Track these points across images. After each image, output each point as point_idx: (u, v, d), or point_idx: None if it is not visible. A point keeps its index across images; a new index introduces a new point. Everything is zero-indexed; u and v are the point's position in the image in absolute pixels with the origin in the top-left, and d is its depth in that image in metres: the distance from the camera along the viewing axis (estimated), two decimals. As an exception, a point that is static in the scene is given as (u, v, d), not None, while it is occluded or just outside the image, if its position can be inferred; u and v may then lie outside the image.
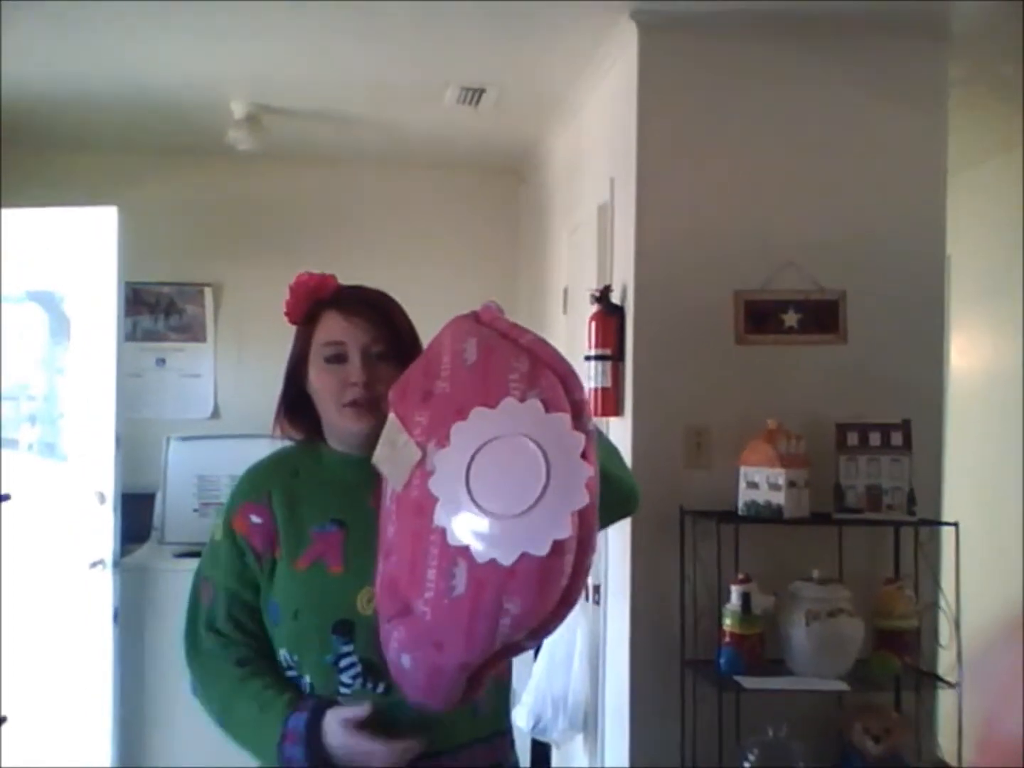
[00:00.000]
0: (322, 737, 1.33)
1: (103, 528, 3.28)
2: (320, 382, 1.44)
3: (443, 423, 1.25)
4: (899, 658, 2.49)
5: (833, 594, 2.48)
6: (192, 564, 3.95)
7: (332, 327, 1.44)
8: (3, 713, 2.72)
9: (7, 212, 3.39)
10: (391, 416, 1.33)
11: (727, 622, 2.48)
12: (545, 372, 1.23)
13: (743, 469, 2.56)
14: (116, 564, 3.29)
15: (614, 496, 1.33)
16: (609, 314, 2.79)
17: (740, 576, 2.49)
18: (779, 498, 2.49)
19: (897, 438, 2.59)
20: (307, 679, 1.40)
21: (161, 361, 4.32)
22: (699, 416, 2.69)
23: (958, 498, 3.12)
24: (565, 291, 3.56)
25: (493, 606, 1.16)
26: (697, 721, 2.57)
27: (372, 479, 1.36)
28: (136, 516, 3.68)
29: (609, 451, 1.46)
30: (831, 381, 2.70)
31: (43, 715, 3.18)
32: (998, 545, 3.49)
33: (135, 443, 3.60)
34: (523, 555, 1.15)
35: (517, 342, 1.26)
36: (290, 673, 1.42)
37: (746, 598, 2.46)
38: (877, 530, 2.64)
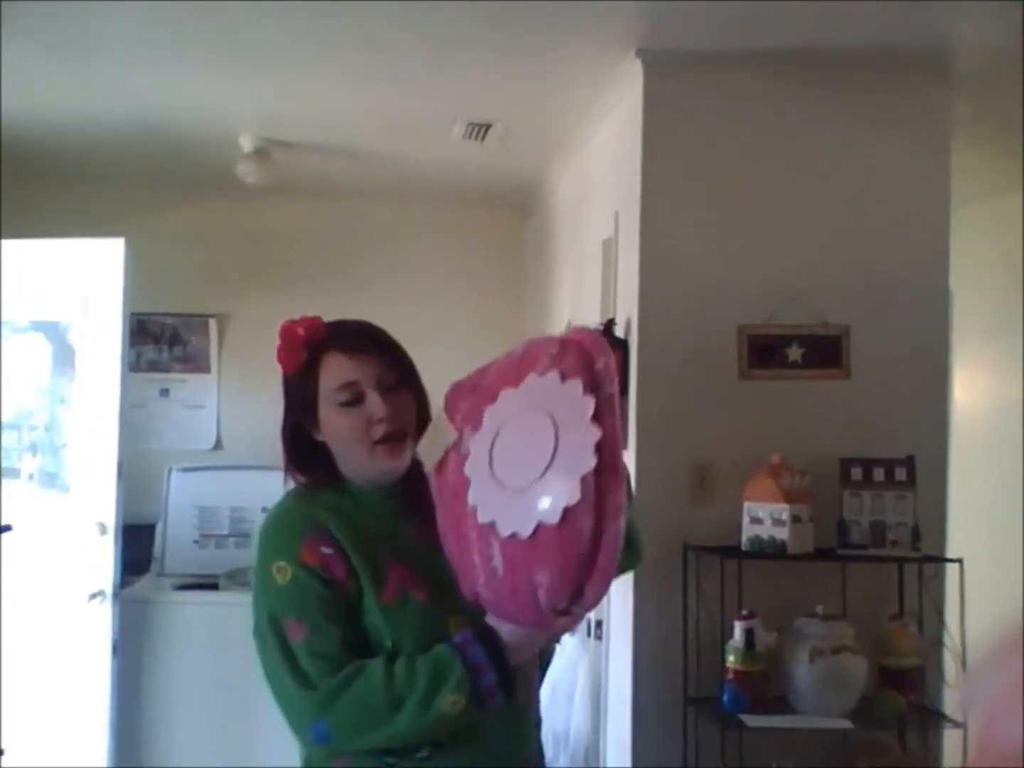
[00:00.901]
0: (492, 633, 1.29)
1: (103, 559, 3.27)
2: (341, 426, 1.38)
3: (479, 408, 1.26)
4: (904, 696, 2.47)
5: (837, 631, 2.46)
6: (192, 596, 3.92)
7: (341, 369, 1.37)
8: (2, 745, 2.69)
9: (16, 242, 3.41)
10: (439, 410, 1.35)
11: (730, 659, 2.46)
12: (572, 349, 1.23)
13: (747, 504, 2.55)
14: (116, 596, 3.27)
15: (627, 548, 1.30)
16: (613, 348, 2.78)
17: (744, 612, 2.47)
18: (783, 533, 2.48)
19: (901, 473, 2.58)
20: None
21: (165, 391, 4.32)
22: (703, 451, 2.69)
23: (962, 534, 3.10)
24: (569, 324, 3.56)
25: (526, 582, 1.16)
26: (700, 759, 2.54)
27: (403, 513, 1.39)
28: (137, 547, 3.66)
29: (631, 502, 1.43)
30: (835, 416, 2.70)
31: (42, 747, 3.15)
32: (1003, 581, 3.46)
33: (137, 473, 3.59)
34: (539, 525, 1.14)
35: (562, 335, 1.29)
36: None
37: (750, 634, 2.44)
38: (881, 566, 2.62)
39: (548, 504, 1.14)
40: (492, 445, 1.21)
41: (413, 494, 1.40)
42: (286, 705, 1.32)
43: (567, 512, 1.13)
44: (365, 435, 1.36)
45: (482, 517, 1.21)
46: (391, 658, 1.30)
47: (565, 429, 1.16)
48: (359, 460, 1.39)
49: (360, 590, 1.33)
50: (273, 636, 1.32)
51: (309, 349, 1.39)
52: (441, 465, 1.34)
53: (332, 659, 1.30)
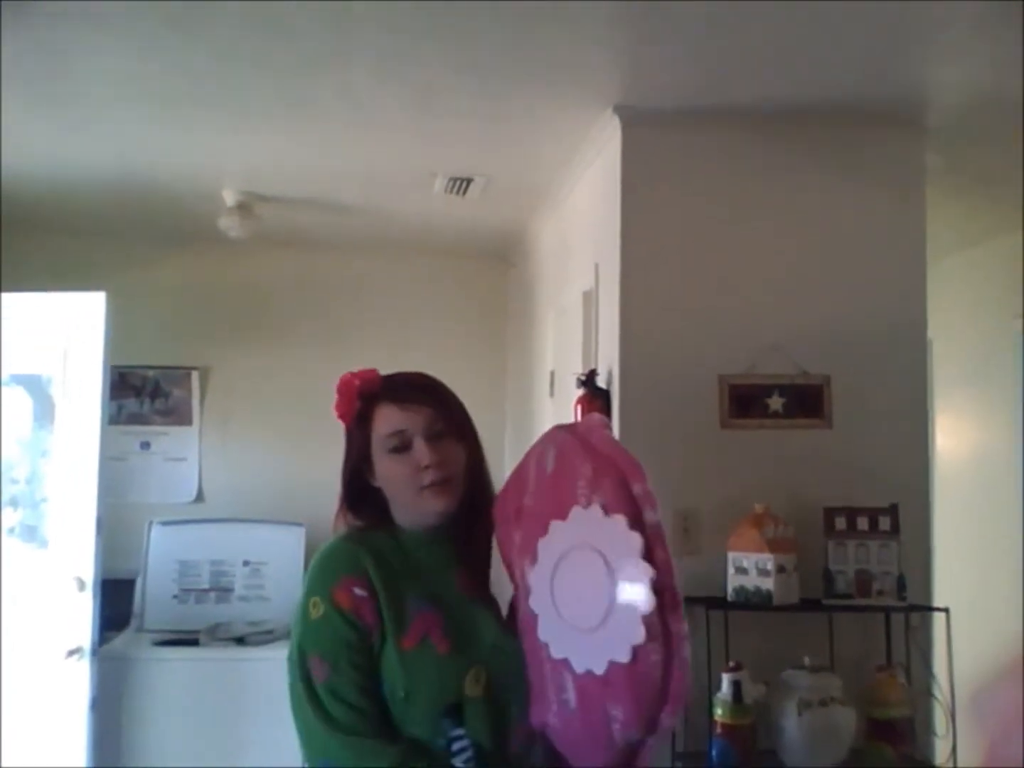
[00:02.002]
0: None
1: (82, 615, 3.22)
2: (392, 472, 1.46)
3: (532, 539, 1.31)
4: (893, 748, 2.44)
5: (824, 682, 2.44)
6: (171, 652, 3.86)
7: (391, 418, 1.46)
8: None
9: (-4, 296, 3.41)
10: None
11: (718, 712, 2.43)
12: (608, 472, 1.25)
13: (731, 554, 2.54)
14: (94, 652, 3.22)
15: None
16: (595, 397, 2.79)
17: (731, 664, 2.45)
18: (768, 584, 2.46)
19: (885, 522, 2.58)
20: (422, 765, 1.36)
21: (146, 444, 4.29)
22: (685, 500, 2.68)
23: (948, 582, 3.10)
24: (552, 374, 3.58)
25: (601, 715, 1.21)
26: (688, 816, 2.50)
27: (452, 561, 1.45)
28: (116, 602, 3.61)
29: None
30: (817, 465, 2.70)
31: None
32: (991, 629, 3.45)
33: (117, 527, 3.56)
34: (611, 663, 1.19)
35: (588, 443, 1.30)
36: None
37: (737, 687, 2.41)
38: (868, 616, 2.61)
39: (617, 643, 1.19)
40: (552, 583, 1.26)
41: (467, 541, 1.47)
42: (302, 732, 1.40)
43: (636, 650, 1.18)
44: (413, 480, 1.44)
45: (555, 653, 1.26)
46: (411, 751, 1.34)
47: (620, 570, 1.20)
48: (408, 504, 1.47)
49: (384, 634, 1.37)
50: (299, 667, 1.39)
51: (363, 399, 1.48)
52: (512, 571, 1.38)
53: (349, 704, 1.35)
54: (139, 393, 4.29)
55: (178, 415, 4.31)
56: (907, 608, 2.56)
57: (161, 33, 2.33)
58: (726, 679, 2.43)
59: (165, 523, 3.94)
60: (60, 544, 3.28)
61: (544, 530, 1.29)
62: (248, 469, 4.15)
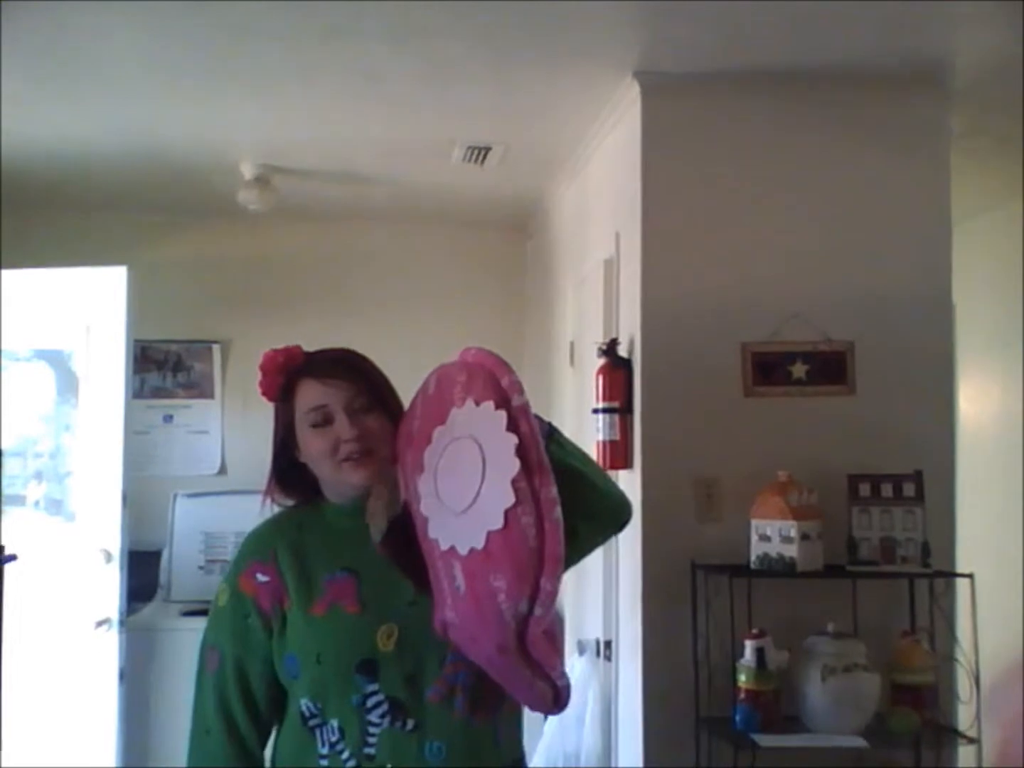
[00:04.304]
0: None
1: (109, 587, 3.26)
2: (312, 446, 1.49)
3: (420, 453, 1.39)
4: (918, 713, 2.45)
5: (849, 649, 2.44)
6: (198, 623, 3.92)
7: (312, 394, 1.49)
8: (7, 777, 2.68)
9: (18, 272, 3.42)
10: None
11: (742, 678, 2.44)
12: (478, 374, 1.36)
13: (755, 522, 2.54)
14: (122, 623, 3.26)
15: (598, 503, 1.41)
16: (616, 367, 2.79)
17: (754, 631, 2.46)
18: (791, 551, 2.46)
19: (909, 489, 2.57)
20: (334, 723, 1.42)
21: (169, 418, 4.32)
22: (709, 469, 2.68)
23: (971, 548, 3.09)
24: (572, 344, 3.57)
25: (487, 589, 1.26)
26: (713, 780, 2.52)
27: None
28: (142, 574, 3.65)
29: (587, 460, 1.49)
30: (841, 432, 2.69)
31: (48, 777, 3.13)
32: (1015, 595, 3.44)
33: (142, 500, 3.59)
34: (489, 534, 1.26)
35: (463, 360, 1.41)
36: (313, 722, 1.44)
37: (760, 653, 2.42)
38: (892, 583, 2.61)
39: (490, 514, 1.27)
40: (435, 480, 1.35)
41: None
42: (192, 715, 1.51)
43: (507, 514, 1.26)
44: (332, 454, 1.47)
45: (443, 544, 1.32)
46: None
47: (488, 444, 1.29)
48: (329, 477, 1.51)
49: (293, 608, 1.45)
50: (200, 654, 1.52)
51: (286, 375, 1.52)
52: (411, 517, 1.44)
53: (223, 702, 1.47)
54: (161, 367, 4.31)
55: (200, 388, 4.34)
56: (932, 574, 2.56)
57: (176, 6, 2.31)
58: (749, 646, 2.44)
59: (189, 495, 3.98)
60: (86, 517, 3.32)
61: (429, 440, 1.38)
62: (270, 441, 4.17)
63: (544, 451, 1.29)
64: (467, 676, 1.39)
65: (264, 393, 1.55)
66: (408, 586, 1.41)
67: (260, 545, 1.52)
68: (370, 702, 1.41)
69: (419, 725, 1.40)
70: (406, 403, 1.52)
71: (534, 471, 1.27)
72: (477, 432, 1.31)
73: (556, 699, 1.31)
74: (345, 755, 1.41)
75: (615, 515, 1.51)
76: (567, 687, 1.31)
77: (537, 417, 1.36)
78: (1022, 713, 0.70)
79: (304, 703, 1.44)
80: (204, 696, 1.50)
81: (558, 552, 1.25)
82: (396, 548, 1.40)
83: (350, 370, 1.52)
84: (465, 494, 1.30)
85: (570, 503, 1.29)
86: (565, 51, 2.59)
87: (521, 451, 1.27)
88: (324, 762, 1.42)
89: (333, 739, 1.42)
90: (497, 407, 1.31)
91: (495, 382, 1.33)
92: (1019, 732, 0.70)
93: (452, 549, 1.31)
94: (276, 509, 1.58)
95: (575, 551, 1.37)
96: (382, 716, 1.40)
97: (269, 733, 1.51)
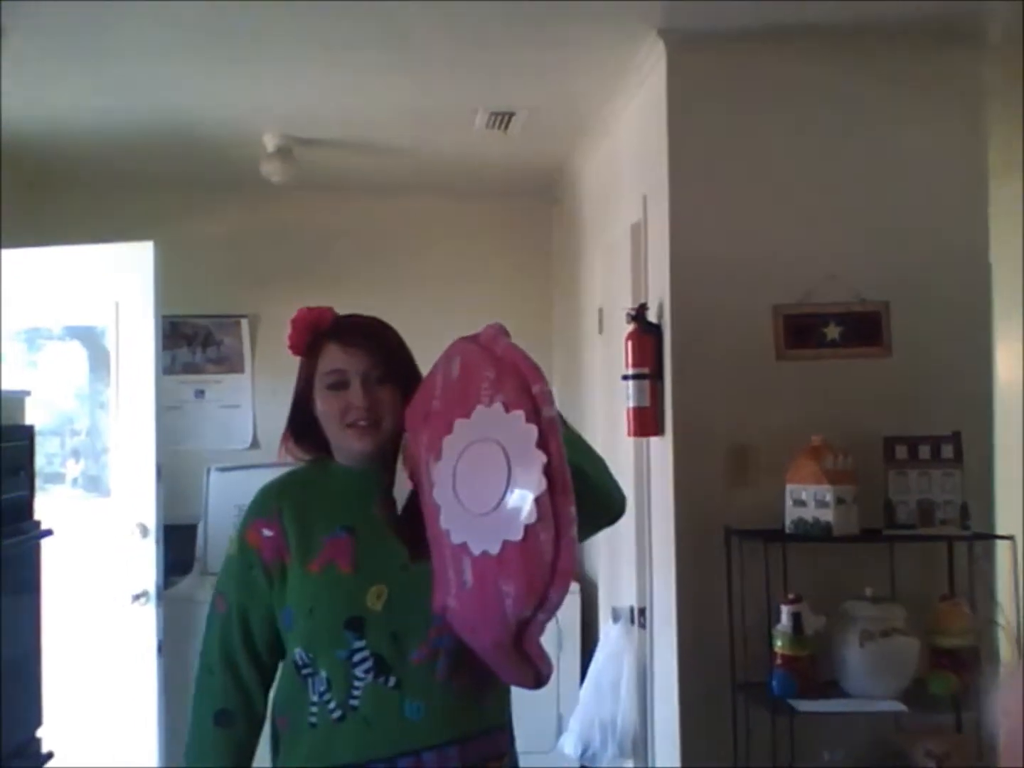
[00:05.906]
0: None
1: (146, 560, 3.29)
2: (325, 407, 1.56)
3: (438, 438, 1.41)
4: (957, 676, 2.42)
5: (887, 613, 2.42)
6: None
7: (333, 357, 1.56)
8: (50, 748, 2.72)
9: (45, 250, 3.44)
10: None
11: (778, 644, 2.42)
12: (510, 374, 1.36)
13: (789, 487, 2.51)
14: (160, 596, 3.30)
15: (594, 499, 1.41)
16: (646, 333, 2.76)
17: (790, 596, 2.44)
18: (827, 515, 2.44)
19: (948, 451, 2.53)
20: (323, 674, 1.49)
21: (200, 393, 4.35)
22: (741, 434, 2.65)
23: (1009, 510, 3.04)
24: (600, 311, 3.54)
25: (495, 591, 1.31)
26: (750, 746, 2.51)
27: (376, 489, 1.54)
28: (179, 547, 3.69)
29: (590, 456, 1.51)
30: (876, 394, 2.65)
31: (89, 749, 3.18)
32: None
33: (176, 475, 3.62)
34: (505, 543, 1.30)
35: (492, 352, 1.40)
36: (305, 671, 1.51)
37: (797, 618, 2.40)
38: (930, 546, 2.58)
39: (511, 524, 1.30)
40: (454, 475, 1.37)
41: (390, 477, 1.55)
42: (202, 648, 1.61)
43: (528, 529, 1.29)
44: (341, 417, 1.54)
45: (455, 539, 1.36)
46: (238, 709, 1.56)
47: (516, 457, 1.32)
48: (334, 438, 1.58)
49: (294, 563, 1.53)
50: (212, 598, 1.61)
51: (314, 334, 1.59)
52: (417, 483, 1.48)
53: (229, 642, 1.56)
54: (191, 342, 4.33)
55: (230, 363, 4.36)
56: (971, 536, 2.52)
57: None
58: (785, 611, 2.42)
59: (222, 469, 4.00)
60: (122, 492, 3.35)
61: (449, 429, 1.39)
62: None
63: (567, 469, 1.31)
64: (450, 641, 1.44)
65: (291, 347, 1.61)
66: (403, 551, 1.48)
67: (267, 501, 1.59)
68: (356, 657, 1.47)
69: (400, 683, 1.46)
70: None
71: (557, 490, 1.29)
72: (505, 440, 1.33)
73: (537, 681, 1.37)
74: (332, 705, 1.48)
75: (609, 510, 1.52)
76: (550, 673, 1.36)
77: None
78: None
79: (298, 652, 1.52)
80: (211, 637, 1.59)
81: (570, 568, 1.29)
82: (401, 515, 1.47)
83: (373, 340, 1.57)
84: (485, 499, 1.33)
85: None
86: (588, 10, 2.54)
87: (548, 470, 1.29)
88: (314, 708, 1.50)
89: (322, 689, 1.49)
90: (528, 418, 1.32)
91: (526, 388, 1.34)
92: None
93: (464, 545, 1.35)
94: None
95: None
96: (367, 671, 1.47)
97: (271, 677, 1.59)
